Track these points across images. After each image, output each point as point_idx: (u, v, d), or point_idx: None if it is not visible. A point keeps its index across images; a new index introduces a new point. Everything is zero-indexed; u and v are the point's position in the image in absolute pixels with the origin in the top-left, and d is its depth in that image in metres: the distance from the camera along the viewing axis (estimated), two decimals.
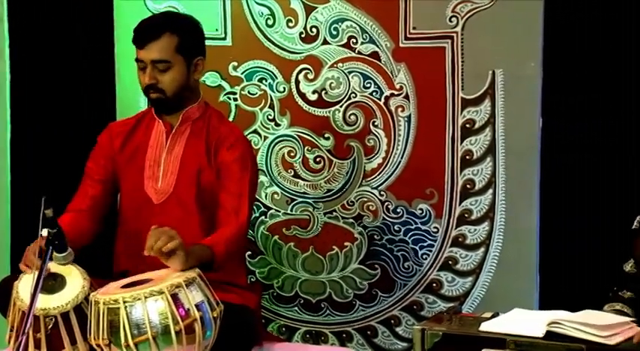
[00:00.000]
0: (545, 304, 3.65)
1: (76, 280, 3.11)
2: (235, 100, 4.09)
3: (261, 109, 4.07)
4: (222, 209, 3.29)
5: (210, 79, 4.07)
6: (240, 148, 3.36)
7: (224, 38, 4.05)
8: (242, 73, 4.06)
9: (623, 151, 3.63)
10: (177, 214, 3.34)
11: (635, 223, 2.90)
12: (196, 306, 2.91)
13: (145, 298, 2.86)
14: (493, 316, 2.66)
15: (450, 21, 3.77)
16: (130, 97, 4.10)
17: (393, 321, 3.97)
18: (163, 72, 3.29)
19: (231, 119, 4.05)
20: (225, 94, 4.09)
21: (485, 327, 2.54)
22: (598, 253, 3.62)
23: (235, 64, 4.07)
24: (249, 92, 4.07)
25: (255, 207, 4.05)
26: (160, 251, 2.93)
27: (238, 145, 3.36)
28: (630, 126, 3.61)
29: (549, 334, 2.45)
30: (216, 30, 4.05)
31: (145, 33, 3.29)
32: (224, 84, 4.09)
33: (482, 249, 3.83)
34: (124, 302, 2.85)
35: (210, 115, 3.43)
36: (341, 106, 3.97)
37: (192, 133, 3.38)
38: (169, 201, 3.36)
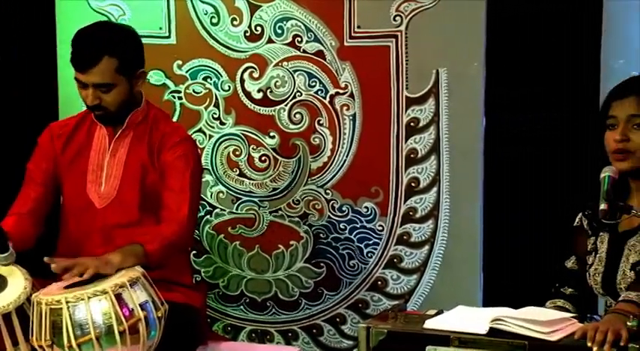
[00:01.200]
0: (488, 301, 3.68)
1: (17, 281, 3.07)
2: (180, 98, 4.06)
3: (206, 108, 4.05)
4: (164, 207, 3.27)
5: (154, 77, 4.04)
6: (182, 147, 3.34)
7: (168, 37, 4.03)
8: (186, 72, 4.04)
9: (566, 146, 3.67)
10: (121, 218, 3.32)
11: (576, 220, 2.93)
12: (140, 306, 2.90)
13: (89, 298, 2.84)
14: (437, 314, 2.67)
15: (394, 20, 3.79)
16: (72, 97, 4.05)
17: (338, 319, 3.98)
18: (106, 92, 3.26)
19: (175, 118, 4.03)
20: (169, 93, 4.06)
21: (429, 324, 2.55)
22: (540, 250, 3.66)
23: (180, 62, 4.05)
24: (193, 91, 4.05)
25: (200, 206, 4.03)
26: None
27: (181, 144, 3.34)
28: (572, 121, 3.65)
29: (492, 331, 2.46)
30: (160, 28, 4.02)
31: (84, 58, 3.22)
32: (168, 82, 4.06)
33: (426, 247, 3.86)
34: (67, 303, 2.82)
35: (153, 116, 3.40)
36: (286, 105, 3.96)
37: (136, 137, 3.36)
38: (112, 205, 3.33)
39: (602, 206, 2.62)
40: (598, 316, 2.82)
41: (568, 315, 2.62)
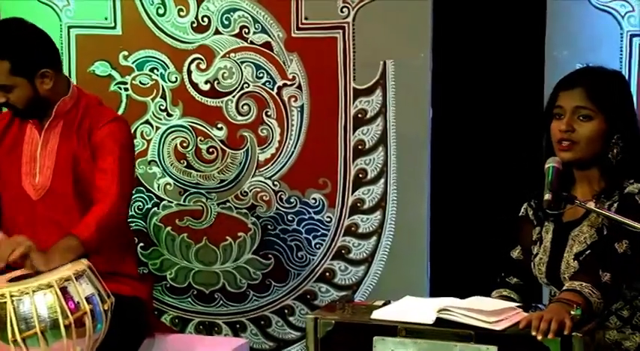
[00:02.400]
0: (435, 292, 3.71)
1: None
2: (126, 90, 4.03)
3: (152, 99, 4.02)
4: (95, 188, 3.23)
5: (100, 68, 4.01)
6: (110, 126, 3.28)
7: (114, 27, 3.99)
8: (133, 63, 4.01)
9: (511, 137, 3.70)
10: (57, 208, 3.29)
11: (522, 210, 2.96)
12: (86, 299, 2.88)
13: (33, 292, 2.81)
14: (385, 304, 2.68)
15: (342, 11, 3.79)
16: None
17: (286, 310, 3.98)
18: (8, 92, 3.22)
19: (122, 109, 4.00)
20: (115, 84, 4.03)
21: (376, 315, 2.56)
22: (487, 241, 3.69)
23: (126, 53, 4.01)
24: (140, 82, 4.02)
25: (147, 198, 4.01)
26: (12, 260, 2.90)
27: (109, 124, 3.29)
28: (517, 112, 3.68)
29: (439, 321, 2.48)
30: (106, 19, 3.99)
31: None
32: (114, 73, 4.03)
33: (374, 238, 3.87)
34: (11, 296, 2.80)
35: (85, 103, 3.35)
36: (234, 97, 3.95)
37: (66, 126, 3.31)
38: (48, 196, 3.30)
39: (547, 196, 2.64)
40: (543, 305, 2.85)
41: (513, 304, 2.64)
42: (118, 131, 3.30)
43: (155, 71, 4.00)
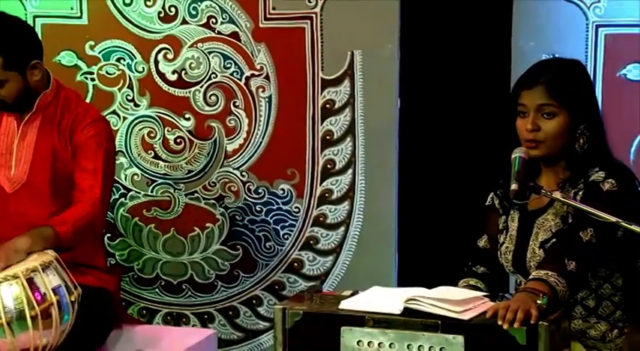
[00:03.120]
0: (403, 282, 3.72)
1: None
2: (93, 80, 4.01)
3: (119, 90, 4.00)
4: (76, 188, 3.23)
5: (66, 58, 3.99)
6: (95, 127, 3.29)
7: (80, 17, 3.96)
8: (99, 53, 3.99)
9: (479, 127, 3.72)
10: (31, 203, 3.26)
11: (488, 200, 2.97)
12: (53, 290, 2.87)
13: None
14: (353, 295, 2.68)
15: (309, 2, 3.79)
16: None
17: (254, 301, 3.98)
18: (0, 87, 3.19)
19: (88, 100, 3.97)
20: (81, 74, 4.00)
21: (344, 305, 2.57)
22: (454, 230, 3.71)
23: (92, 43, 3.99)
24: (106, 72, 4.00)
25: (114, 189, 3.99)
26: None
27: (94, 124, 3.29)
28: (484, 102, 3.70)
29: (406, 311, 2.48)
30: (72, 9, 3.96)
31: None
32: (80, 63, 4.00)
33: (342, 228, 3.88)
34: None
35: (64, 97, 3.34)
36: (201, 87, 3.94)
37: (45, 120, 3.29)
38: (23, 189, 3.28)
39: (513, 186, 2.66)
40: (509, 294, 2.87)
41: (480, 294, 2.66)
42: (103, 133, 3.30)
43: (122, 61, 3.98)
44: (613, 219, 2.53)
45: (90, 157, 3.24)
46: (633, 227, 2.53)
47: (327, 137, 3.85)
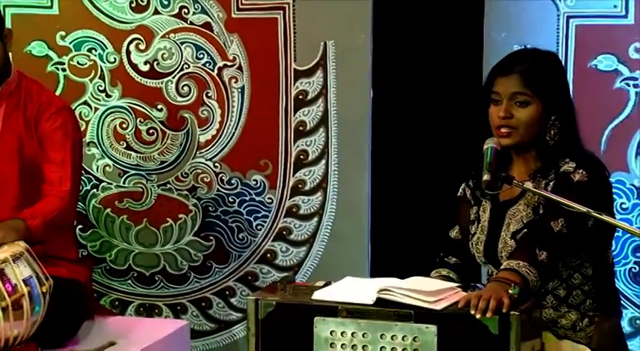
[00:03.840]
0: (376, 272, 3.73)
1: None
2: (64, 70, 3.98)
3: (91, 80, 3.98)
4: (45, 181, 3.22)
5: (36, 48, 3.96)
6: (60, 117, 3.28)
7: (50, 7, 3.93)
8: (70, 43, 3.96)
9: (451, 117, 3.73)
10: (0, 190, 3.24)
11: (460, 190, 2.98)
12: (24, 281, 2.85)
13: None
14: (326, 285, 2.69)
15: None
16: None
17: (227, 292, 3.97)
18: None
19: (59, 90, 3.95)
20: (52, 65, 3.98)
21: (317, 296, 2.57)
22: (427, 221, 3.72)
23: (63, 33, 3.96)
24: (78, 62, 3.97)
25: (86, 180, 3.97)
26: None
27: (59, 114, 3.28)
28: (457, 92, 3.71)
29: (379, 301, 2.49)
30: None
31: None
32: (51, 54, 3.97)
33: (315, 219, 3.88)
34: None
35: (26, 86, 3.32)
36: (174, 77, 3.92)
37: (9, 108, 3.27)
38: None
39: (485, 177, 2.67)
40: (481, 284, 2.89)
41: (452, 284, 2.67)
42: (69, 123, 3.29)
43: (93, 52, 3.96)
44: (583, 209, 2.55)
45: (57, 148, 3.24)
46: (603, 217, 2.55)
47: (300, 128, 3.85)
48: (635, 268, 3.63)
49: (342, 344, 2.49)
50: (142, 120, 3.97)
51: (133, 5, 3.90)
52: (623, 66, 3.58)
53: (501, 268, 2.61)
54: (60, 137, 3.25)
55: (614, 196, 3.07)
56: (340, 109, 3.81)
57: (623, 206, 3.60)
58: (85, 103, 3.98)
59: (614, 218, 2.69)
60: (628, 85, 3.58)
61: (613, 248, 2.88)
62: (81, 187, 3.93)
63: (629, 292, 3.63)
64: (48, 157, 3.24)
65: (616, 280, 2.95)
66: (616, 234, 3.05)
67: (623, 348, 2.84)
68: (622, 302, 3.27)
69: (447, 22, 3.74)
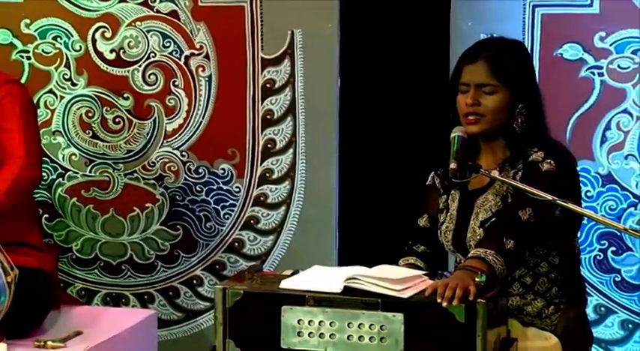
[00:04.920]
0: (343, 261, 3.74)
1: None
2: (29, 58, 3.95)
3: (56, 69, 3.95)
4: (2, 149, 3.23)
5: (1, 36, 3.92)
6: (5, 87, 3.28)
7: None
8: (35, 31, 3.93)
9: (419, 106, 3.74)
10: None
11: (429, 179, 2.99)
12: None
13: None
14: (293, 274, 2.69)
15: None
16: None
17: (195, 281, 3.97)
18: None
19: (24, 78, 3.92)
20: (17, 53, 3.94)
21: (285, 284, 2.57)
22: (394, 210, 3.73)
23: (27, 21, 3.93)
24: (43, 51, 3.94)
25: (52, 169, 3.95)
26: None
27: (4, 85, 3.28)
28: (424, 81, 3.72)
29: (347, 290, 2.50)
30: None
31: None
32: (16, 42, 3.94)
33: (283, 208, 3.88)
34: None
35: None
36: (140, 66, 3.90)
37: None
38: None
39: (452, 165, 2.68)
40: (448, 272, 2.90)
41: (419, 272, 2.68)
42: (15, 92, 3.29)
43: (58, 40, 3.93)
44: (549, 197, 2.57)
45: (8, 117, 3.25)
46: (569, 205, 2.57)
47: (268, 117, 3.85)
48: (600, 256, 3.66)
49: (310, 333, 2.50)
50: (108, 109, 3.94)
51: None
52: (588, 55, 3.60)
53: (468, 256, 2.62)
54: (7, 105, 3.25)
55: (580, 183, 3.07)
56: (308, 97, 3.80)
57: (588, 194, 3.63)
58: (51, 91, 3.95)
59: (581, 207, 2.71)
60: (593, 73, 3.60)
61: (578, 236, 2.90)
62: (46, 176, 3.93)
63: (594, 279, 3.66)
64: (2, 126, 3.24)
65: (581, 267, 2.96)
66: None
67: (588, 335, 2.87)
68: (587, 290, 3.29)
69: (414, 11, 3.75)
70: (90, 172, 3.98)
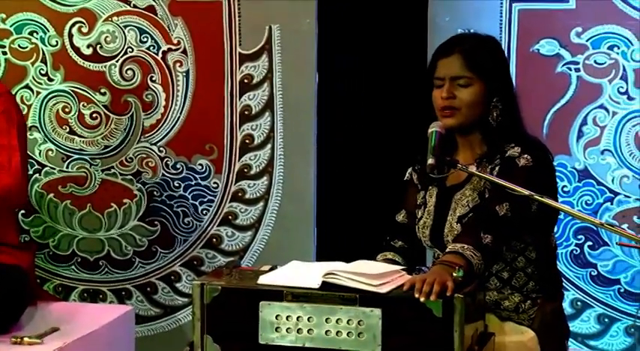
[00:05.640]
0: (321, 256, 3.74)
1: None
2: (5, 53, 3.93)
3: (32, 64, 3.93)
4: None
5: None
6: (2, 103, 3.26)
7: None
8: (11, 26, 3.91)
9: (396, 102, 3.75)
10: None
11: (406, 175, 2.99)
12: None
13: None
14: (271, 270, 2.69)
15: None
16: None
17: (173, 277, 3.96)
18: None
19: (0, 74, 3.89)
20: None
21: (263, 280, 2.57)
22: (373, 205, 3.73)
23: (4, 16, 3.91)
24: (19, 46, 3.92)
25: (28, 164, 3.92)
26: None
27: (0, 101, 3.25)
28: (402, 77, 3.73)
29: (325, 285, 2.50)
30: None
31: None
32: None
33: (261, 203, 3.88)
34: None
35: None
36: (117, 61, 3.89)
37: None
38: None
39: (430, 161, 2.68)
40: (426, 267, 2.90)
41: (397, 267, 2.68)
42: (12, 108, 3.28)
43: (35, 35, 3.91)
44: (526, 192, 2.58)
45: (4, 134, 3.22)
46: (546, 200, 2.58)
47: (246, 112, 3.84)
48: (577, 251, 3.68)
49: (288, 328, 2.50)
50: (85, 104, 3.93)
51: None
52: (564, 50, 3.62)
53: (446, 251, 2.63)
54: (4, 123, 3.23)
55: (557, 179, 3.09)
56: (286, 93, 3.80)
57: (565, 189, 3.65)
58: (27, 86, 3.93)
59: (558, 202, 2.73)
60: (569, 69, 3.62)
61: (555, 231, 2.91)
62: None
63: (571, 273, 3.68)
64: None
65: (558, 262, 2.98)
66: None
67: (565, 329, 2.88)
68: (564, 284, 3.31)
69: (392, 6, 3.75)
70: (67, 167, 3.97)
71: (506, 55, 2.99)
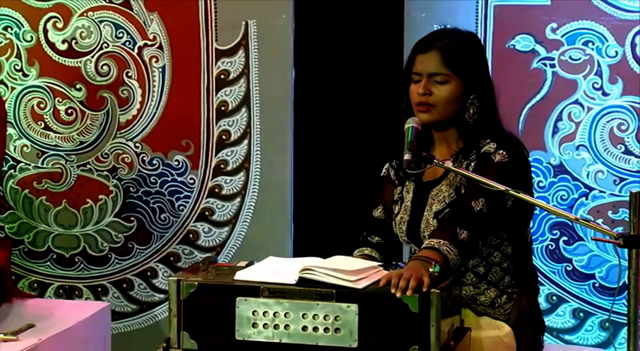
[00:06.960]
0: (298, 252, 3.75)
1: None
2: None
3: (7, 59, 3.91)
4: None
5: None
6: None
7: None
8: None
9: (373, 97, 3.75)
10: None
11: (383, 170, 3.00)
12: None
13: None
14: (248, 265, 2.69)
15: None
16: None
17: (149, 273, 3.95)
18: None
19: None
20: None
21: (239, 276, 2.57)
22: (349, 201, 3.74)
23: None
24: None
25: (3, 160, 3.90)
26: None
27: None
28: (378, 73, 3.73)
29: (301, 281, 2.50)
30: None
31: None
32: None
33: (238, 199, 3.88)
34: None
35: None
36: (92, 56, 3.87)
37: None
38: None
39: (406, 156, 2.68)
40: (403, 263, 2.91)
41: (374, 263, 2.69)
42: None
43: (9, 30, 3.89)
44: (502, 187, 2.59)
45: None
46: (522, 195, 2.59)
47: (222, 108, 3.84)
48: (552, 246, 3.70)
49: (265, 324, 2.50)
50: (61, 100, 3.91)
51: None
52: (540, 46, 3.63)
53: (422, 246, 2.64)
54: None
55: (532, 174, 3.10)
56: (262, 88, 3.80)
57: (541, 184, 3.67)
58: (2, 82, 3.92)
59: (533, 197, 2.74)
60: (545, 65, 3.64)
61: (531, 226, 2.93)
62: None
63: (546, 268, 3.70)
64: None
65: (533, 257, 2.99)
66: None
67: (540, 324, 2.90)
68: (539, 279, 3.33)
69: (368, 2, 3.75)
70: (42, 163, 3.95)
71: (484, 51, 2.99)
